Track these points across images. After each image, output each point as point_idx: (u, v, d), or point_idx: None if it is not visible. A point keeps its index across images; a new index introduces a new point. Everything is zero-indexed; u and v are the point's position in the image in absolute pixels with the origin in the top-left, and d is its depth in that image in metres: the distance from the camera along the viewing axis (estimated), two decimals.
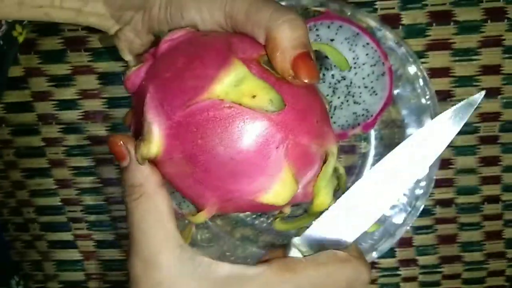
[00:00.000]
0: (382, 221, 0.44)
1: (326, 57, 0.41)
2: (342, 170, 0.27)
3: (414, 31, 0.46)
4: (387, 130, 0.46)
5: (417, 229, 0.51)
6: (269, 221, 0.48)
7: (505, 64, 0.47)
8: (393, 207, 0.44)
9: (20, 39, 0.45)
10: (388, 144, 0.46)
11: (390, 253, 0.51)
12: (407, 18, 0.46)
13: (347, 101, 0.43)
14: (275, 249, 0.27)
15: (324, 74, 0.42)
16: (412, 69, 0.42)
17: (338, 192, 0.27)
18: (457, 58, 0.47)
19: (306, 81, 0.24)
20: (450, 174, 0.49)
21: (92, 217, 0.51)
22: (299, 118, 0.24)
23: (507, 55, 0.46)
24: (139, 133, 0.25)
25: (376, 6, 0.46)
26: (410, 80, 0.42)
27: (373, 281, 0.52)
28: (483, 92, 0.26)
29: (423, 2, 0.45)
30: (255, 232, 0.48)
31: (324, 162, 0.26)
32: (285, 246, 0.27)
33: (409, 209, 0.44)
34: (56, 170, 0.50)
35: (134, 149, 0.25)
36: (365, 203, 0.27)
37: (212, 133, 0.23)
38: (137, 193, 0.25)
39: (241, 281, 0.24)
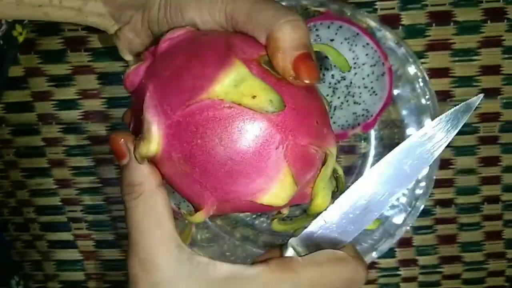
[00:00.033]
0: (382, 221, 0.44)
1: (326, 57, 0.41)
2: (341, 172, 0.27)
3: (414, 32, 0.46)
4: (387, 130, 0.46)
5: (417, 229, 0.51)
6: (269, 221, 0.48)
7: (504, 64, 0.47)
8: (393, 207, 0.44)
9: (20, 39, 0.45)
10: (388, 144, 0.46)
11: (390, 253, 0.51)
12: (407, 18, 0.46)
13: (347, 101, 0.43)
14: (273, 249, 0.27)
15: (324, 74, 0.42)
16: (412, 70, 0.42)
17: (336, 193, 0.27)
18: (456, 58, 0.47)
19: (307, 81, 0.24)
20: (450, 174, 0.49)
21: (92, 217, 0.51)
22: (299, 119, 0.24)
23: (506, 56, 0.46)
24: (138, 132, 0.25)
25: (376, 7, 0.46)
26: (410, 80, 0.42)
27: (373, 281, 0.52)
28: (481, 95, 0.27)
29: (423, 3, 0.45)
30: (255, 232, 0.48)
31: (323, 163, 0.26)
32: (282, 246, 0.27)
33: (409, 209, 0.44)
34: (56, 170, 0.50)
35: (133, 147, 0.25)
36: (364, 203, 0.27)
37: (211, 133, 0.23)
38: (136, 192, 0.25)
39: (240, 281, 0.24)
